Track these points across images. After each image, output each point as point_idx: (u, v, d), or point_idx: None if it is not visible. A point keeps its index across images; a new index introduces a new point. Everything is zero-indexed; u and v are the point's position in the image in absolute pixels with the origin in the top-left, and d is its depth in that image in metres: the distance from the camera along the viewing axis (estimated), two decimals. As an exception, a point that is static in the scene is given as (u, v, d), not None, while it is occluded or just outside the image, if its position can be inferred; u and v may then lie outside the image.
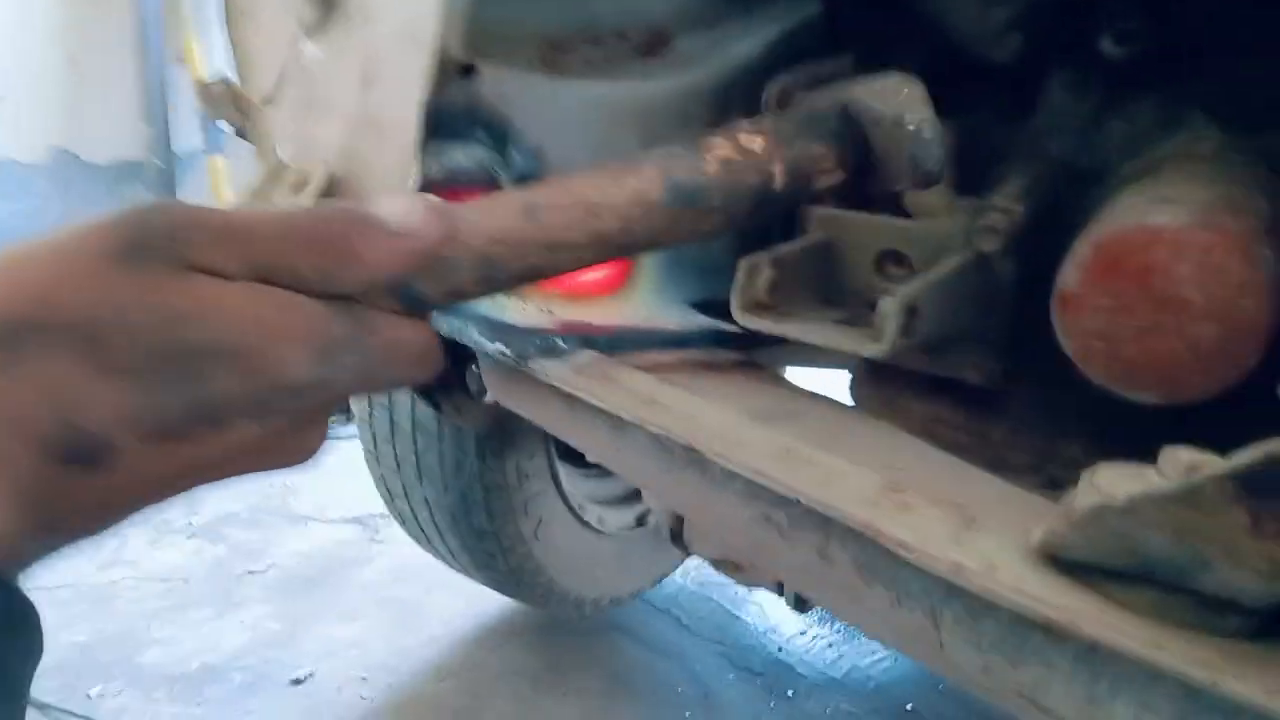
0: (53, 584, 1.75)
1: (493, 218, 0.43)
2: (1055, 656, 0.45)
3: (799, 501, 0.52)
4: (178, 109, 2.83)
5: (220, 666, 1.58)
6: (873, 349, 0.61)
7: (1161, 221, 0.53)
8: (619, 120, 0.76)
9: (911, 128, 0.57)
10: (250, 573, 1.91)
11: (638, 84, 0.77)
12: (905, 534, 0.47)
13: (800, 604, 0.90)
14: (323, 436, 0.41)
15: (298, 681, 1.55)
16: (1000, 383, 0.74)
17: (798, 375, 0.95)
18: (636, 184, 0.48)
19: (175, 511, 2.14)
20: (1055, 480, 0.72)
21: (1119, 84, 0.69)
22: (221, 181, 2.85)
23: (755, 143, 0.52)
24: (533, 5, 0.68)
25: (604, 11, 0.71)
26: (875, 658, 1.80)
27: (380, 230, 0.39)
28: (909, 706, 1.66)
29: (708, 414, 0.61)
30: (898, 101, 0.57)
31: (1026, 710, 0.47)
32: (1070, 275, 0.57)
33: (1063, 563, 0.45)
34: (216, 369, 0.34)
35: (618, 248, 0.47)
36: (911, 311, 0.62)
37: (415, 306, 0.41)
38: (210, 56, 2.74)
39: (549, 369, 0.67)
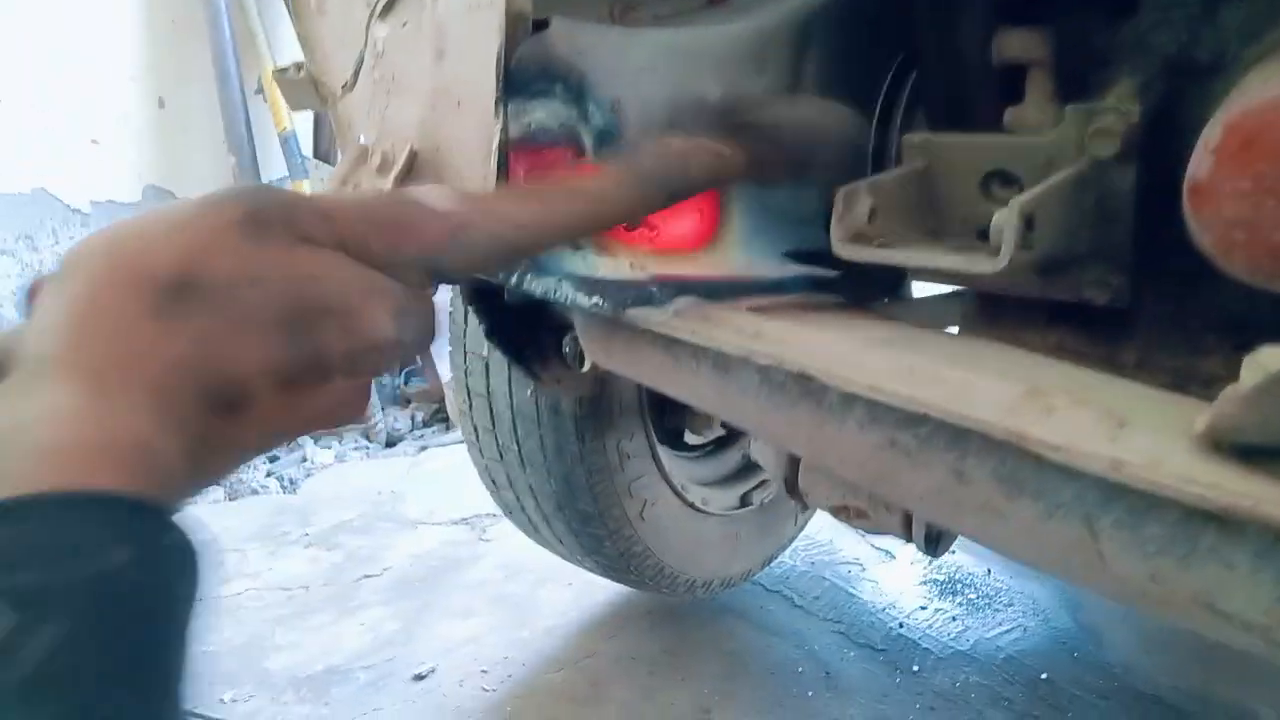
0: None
1: (501, 201, 0.51)
2: (1234, 553, 0.40)
3: (929, 417, 0.49)
4: (261, 139, 2.92)
5: (344, 667, 1.61)
6: (990, 265, 0.57)
7: (1301, 90, 0.48)
8: (694, 66, 0.74)
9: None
10: (366, 577, 1.94)
11: (710, 29, 0.75)
12: (1054, 437, 0.43)
13: (931, 544, 0.85)
14: (368, 398, 0.46)
15: (420, 678, 1.57)
16: (1127, 300, 0.69)
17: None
18: (609, 176, 0.57)
19: (291, 524, 2.21)
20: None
21: (1226, -34, 0.63)
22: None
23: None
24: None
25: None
26: (1003, 629, 1.73)
27: (429, 211, 0.44)
28: (1043, 676, 1.59)
29: (819, 341, 0.58)
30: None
31: (1204, 619, 0.43)
32: (1202, 163, 0.52)
33: (1233, 450, 0.40)
34: (327, 326, 0.38)
35: (596, 224, 0.56)
36: (1029, 222, 0.58)
37: (438, 278, 0.46)
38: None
39: (647, 316, 0.65)
